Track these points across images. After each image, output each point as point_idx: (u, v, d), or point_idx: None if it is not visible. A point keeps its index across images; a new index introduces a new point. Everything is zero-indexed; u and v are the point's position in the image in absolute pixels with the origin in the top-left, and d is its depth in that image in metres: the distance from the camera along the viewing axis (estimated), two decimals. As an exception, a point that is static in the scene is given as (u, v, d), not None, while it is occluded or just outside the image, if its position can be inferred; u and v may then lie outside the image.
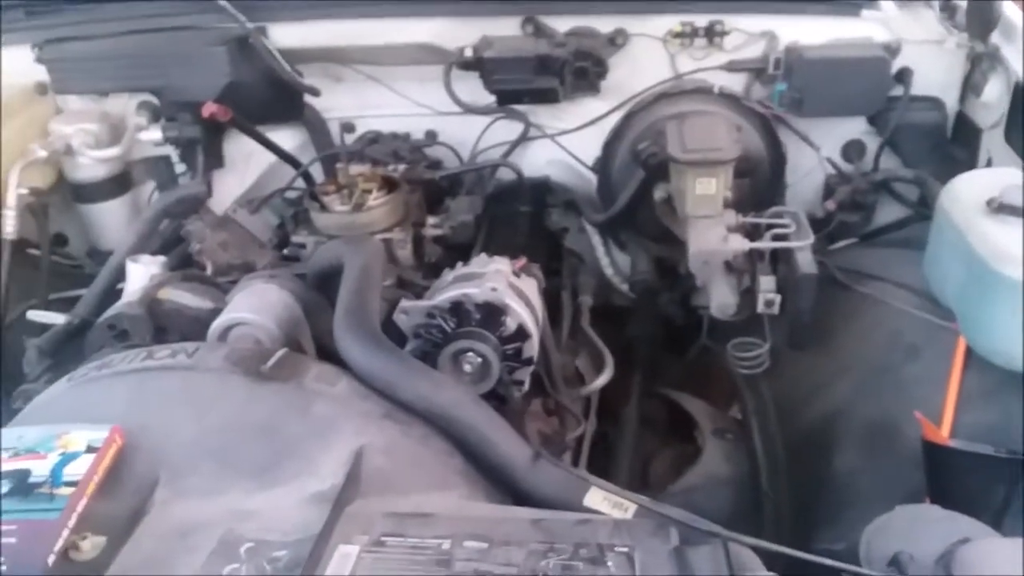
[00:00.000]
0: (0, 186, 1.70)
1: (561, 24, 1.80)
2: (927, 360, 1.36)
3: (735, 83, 1.78)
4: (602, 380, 1.55)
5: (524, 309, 1.22)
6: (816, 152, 1.79)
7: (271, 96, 1.89)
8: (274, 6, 1.85)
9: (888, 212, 1.87)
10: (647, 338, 1.93)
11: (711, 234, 1.48)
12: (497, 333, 1.19)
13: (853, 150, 1.83)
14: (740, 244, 1.47)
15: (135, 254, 1.51)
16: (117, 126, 1.90)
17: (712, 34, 1.74)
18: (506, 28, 1.82)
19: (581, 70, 1.77)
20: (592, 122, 1.85)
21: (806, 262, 1.43)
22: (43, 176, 1.82)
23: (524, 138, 1.94)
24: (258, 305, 1.18)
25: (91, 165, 1.87)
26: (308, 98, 2.00)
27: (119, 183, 1.95)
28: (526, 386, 1.25)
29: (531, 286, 1.31)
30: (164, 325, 1.25)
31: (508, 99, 1.84)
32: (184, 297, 1.27)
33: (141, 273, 1.50)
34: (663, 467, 1.79)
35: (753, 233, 1.57)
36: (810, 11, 1.72)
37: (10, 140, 1.77)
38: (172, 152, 1.96)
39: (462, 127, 1.97)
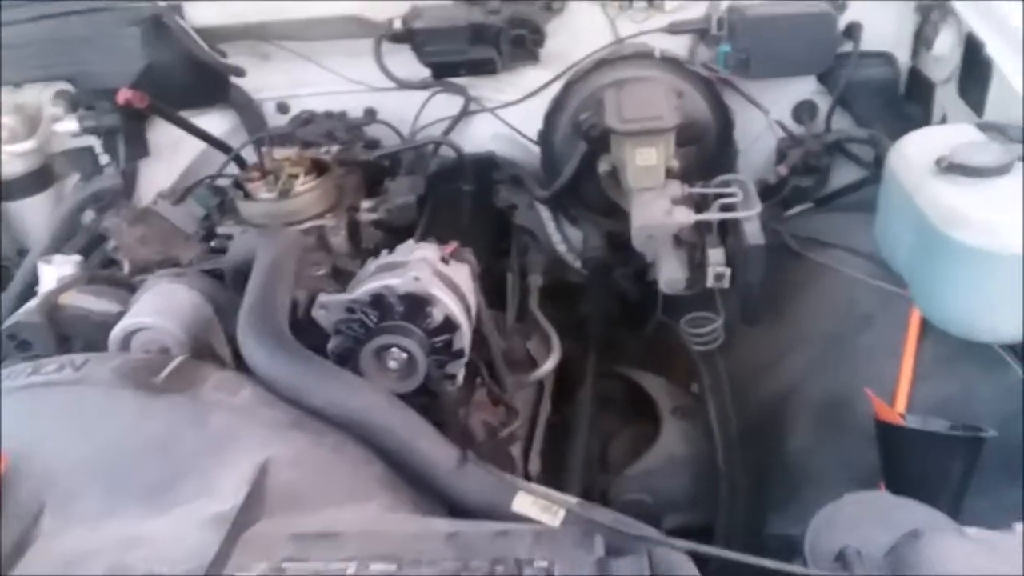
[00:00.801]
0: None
1: (501, -9, 1.71)
2: (881, 330, 1.30)
3: (679, 46, 1.69)
4: (549, 365, 1.48)
5: (452, 298, 1.14)
6: (765, 115, 1.72)
7: (193, 79, 1.78)
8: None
9: (845, 174, 1.80)
10: (601, 316, 1.87)
11: (654, 207, 1.41)
12: (423, 326, 1.11)
13: (804, 111, 1.76)
14: (685, 217, 1.40)
15: (49, 254, 1.43)
16: (33, 117, 1.79)
17: (649, -5, 1.65)
18: (435, -3, 1.72)
19: (518, 38, 1.68)
20: (533, 93, 1.77)
21: (753, 233, 1.36)
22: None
23: (464, 113, 1.86)
24: (163, 307, 1.09)
25: (8, 160, 1.77)
26: (237, 79, 1.90)
27: (40, 178, 1.85)
28: (459, 379, 1.17)
29: (462, 272, 1.23)
30: (68, 333, 1.16)
31: (444, 72, 1.75)
32: (88, 301, 1.18)
33: (53, 274, 1.41)
34: (622, 449, 1.73)
35: (701, 204, 1.50)
36: (753, -34, 1.63)
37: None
38: (95, 143, 1.86)
39: (403, 103, 1.88)
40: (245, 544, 0.78)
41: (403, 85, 1.78)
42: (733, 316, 1.51)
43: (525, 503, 0.90)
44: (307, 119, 1.89)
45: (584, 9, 1.70)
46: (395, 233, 1.65)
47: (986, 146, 1.17)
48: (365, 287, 1.12)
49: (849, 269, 1.43)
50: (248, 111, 1.94)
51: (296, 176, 1.52)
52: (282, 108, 1.99)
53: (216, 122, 1.91)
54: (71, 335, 1.16)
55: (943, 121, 1.61)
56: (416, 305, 1.11)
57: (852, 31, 1.65)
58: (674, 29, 1.66)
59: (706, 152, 1.67)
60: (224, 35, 1.80)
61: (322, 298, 1.13)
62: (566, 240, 1.95)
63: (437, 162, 1.85)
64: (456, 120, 1.86)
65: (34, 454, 0.86)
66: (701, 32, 1.66)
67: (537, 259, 1.80)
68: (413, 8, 1.70)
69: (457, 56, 1.70)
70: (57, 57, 1.69)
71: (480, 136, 1.90)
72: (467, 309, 1.18)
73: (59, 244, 1.52)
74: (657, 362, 1.89)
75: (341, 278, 1.43)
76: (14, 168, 1.79)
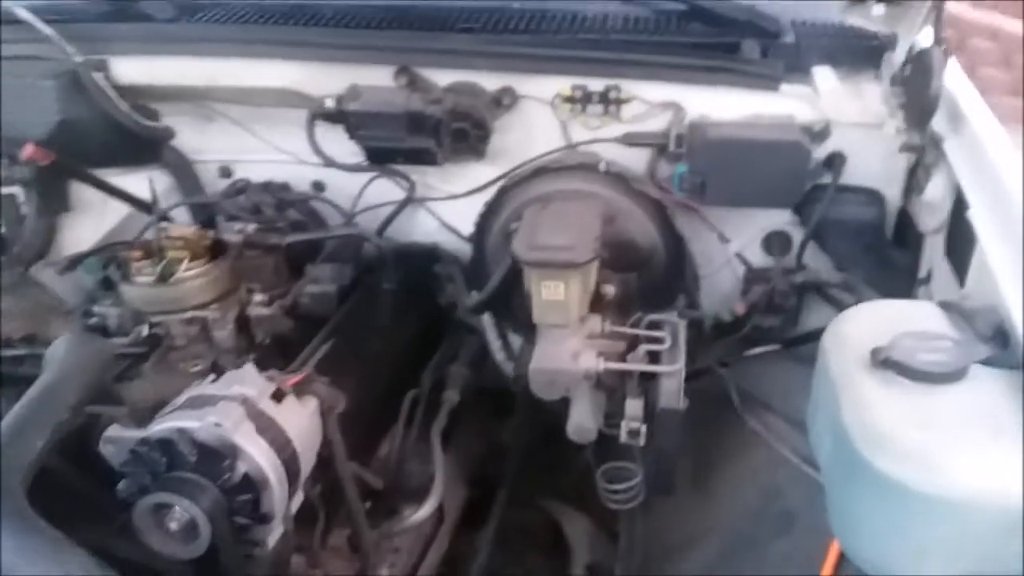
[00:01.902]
0: None
1: (443, 77, 1.55)
2: (800, 537, 1.07)
3: (639, 159, 1.51)
4: (423, 512, 1.29)
5: (265, 450, 0.96)
6: (723, 245, 1.52)
7: (116, 137, 1.66)
8: (122, 37, 1.63)
9: (821, 316, 1.58)
10: (524, 443, 1.66)
11: (559, 349, 1.22)
12: (220, 482, 0.93)
13: (775, 243, 1.55)
14: (593, 363, 1.21)
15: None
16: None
17: (608, 101, 1.48)
18: (380, 77, 1.57)
19: (459, 131, 1.52)
20: (476, 190, 1.61)
21: (669, 394, 1.16)
22: None
23: (407, 202, 1.69)
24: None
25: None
26: (177, 139, 1.79)
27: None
28: (268, 545, 0.99)
29: (303, 411, 1.06)
30: None
31: (379, 157, 1.60)
32: None
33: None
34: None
35: (632, 343, 1.31)
36: (722, 81, 1.44)
37: None
38: (19, 191, 1.75)
39: (353, 180, 1.73)
40: None
41: (336, 166, 1.63)
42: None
43: None
44: (240, 188, 1.75)
45: (537, 109, 1.53)
46: (312, 322, 1.50)
47: (937, 342, 0.95)
48: (160, 425, 0.95)
49: (784, 446, 1.21)
50: (183, 172, 1.82)
51: (180, 260, 1.37)
52: (225, 172, 1.86)
53: (145, 182, 1.78)
54: None
55: (928, 279, 1.39)
56: (213, 457, 0.94)
57: (833, 161, 1.45)
58: (629, 140, 1.48)
59: (653, 279, 1.48)
60: (158, 95, 1.68)
61: (110, 431, 0.97)
62: (506, 347, 1.77)
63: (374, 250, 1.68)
64: (397, 210, 1.70)
65: None
66: (659, 147, 1.47)
67: (459, 372, 1.61)
68: (351, 88, 1.55)
69: (393, 143, 1.54)
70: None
71: (427, 225, 1.74)
72: (289, 459, 1.00)
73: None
74: (591, 495, 1.68)
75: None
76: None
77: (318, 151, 1.60)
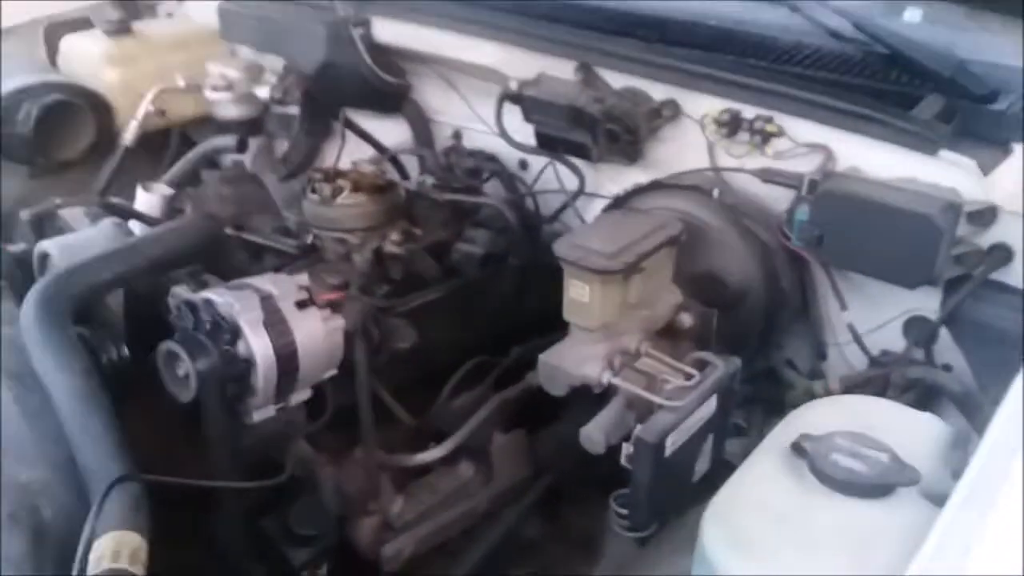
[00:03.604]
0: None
1: (617, 80, 1.60)
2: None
3: (779, 198, 1.42)
4: (426, 455, 1.40)
5: (263, 340, 1.15)
6: (840, 311, 1.37)
7: (366, 85, 1.97)
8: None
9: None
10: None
11: (574, 349, 1.23)
12: (222, 350, 1.14)
13: (913, 328, 1.36)
14: (596, 372, 1.20)
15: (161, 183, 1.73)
16: (256, 79, 2.14)
17: (755, 131, 1.40)
18: (567, 71, 1.66)
19: (611, 133, 1.55)
20: (619, 196, 1.63)
21: (651, 426, 1.12)
22: (182, 104, 2.14)
23: (577, 196, 1.75)
24: (71, 242, 1.28)
25: (226, 105, 2.14)
26: (418, 96, 2.05)
27: (249, 128, 2.19)
28: (252, 417, 1.18)
29: (321, 324, 1.23)
30: (47, 235, 1.40)
31: (545, 143, 1.70)
32: (75, 218, 1.41)
33: (146, 199, 1.71)
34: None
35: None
36: (879, 134, 1.29)
37: (170, 68, 2.11)
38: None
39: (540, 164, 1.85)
40: None
41: (514, 145, 1.76)
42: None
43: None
44: (447, 149, 1.96)
45: (692, 125, 1.51)
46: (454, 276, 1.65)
47: (876, 452, 0.82)
48: (201, 293, 1.19)
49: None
50: (419, 126, 2.08)
51: (342, 189, 1.62)
52: (456, 135, 2.09)
53: (392, 129, 2.08)
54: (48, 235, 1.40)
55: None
56: (219, 329, 1.15)
57: (993, 252, 1.23)
58: (766, 176, 1.39)
59: (743, 323, 1.39)
60: (405, 56, 1.95)
61: (174, 289, 1.23)
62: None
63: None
64: (570, 200, 1.77)
65: None
66: (795, 189, 1.37)
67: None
68: (539, 75, 1.67)
69: (556, 132, 1.63)
70: (270, 36, 2.00)
71: (572, 221, 1.80)
72: (286, 356, 1.17)
73: (174, 179, 1.82)
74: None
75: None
76: (232, 112, 2.15)
77: (501, 127, 1.74)
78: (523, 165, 1.92)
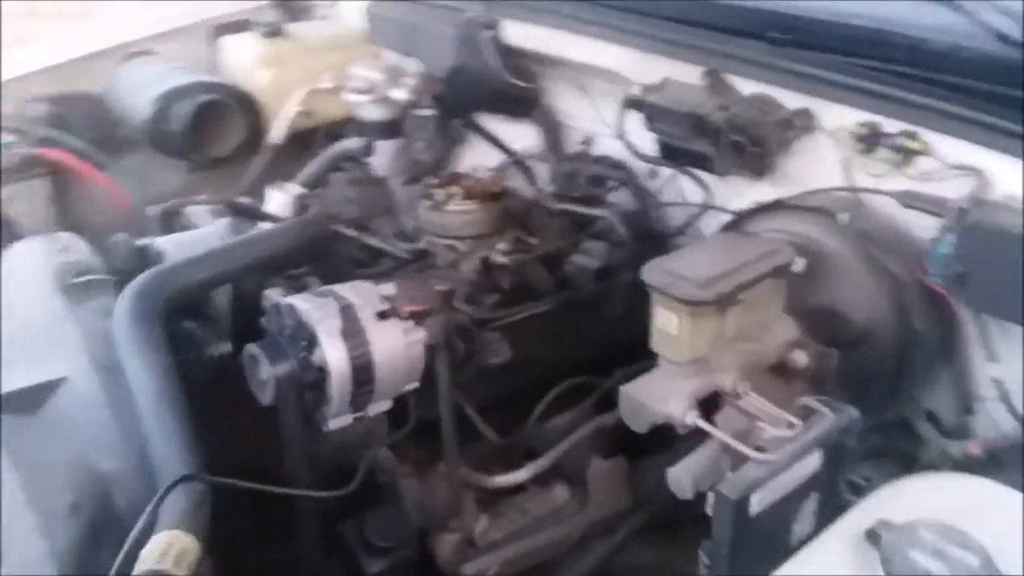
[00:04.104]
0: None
1: (748, 87, 1.47)
2: None
3: (924, 226, 1.24)
4: (508, 477, 1.34)
5: (340, 349, 1.14)
6: (988, 363, 1.18)
7: (497, 89, 1.94)
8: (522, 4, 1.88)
9: None
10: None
11: (659, 384, 1.13)
12: (300, 357, 1.15)
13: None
14: (679, 412, 1.10)
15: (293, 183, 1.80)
16: (396, 81, 2.17)
17: (896, 148, 1.23)
18: (694, 75, 1.55)
19: (736, 144, 1.43)
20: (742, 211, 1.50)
21: (734, 481, 1.01)
22: (329, 105, 2.20)
23: (704, 209, 1.64)
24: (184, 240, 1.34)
25: (365, 107, 2.18)
26: (550, 100, 2.01)
27: (389, 130, 2.23)
28: (328, 425, 1.18)
29: (401, 336, 1.21)
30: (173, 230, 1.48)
31: (668, 154, 1.60)
32: (199, 216, 1.48)
33: (278, 198, 1.78)
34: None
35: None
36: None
37: (320, 69, 2.18)
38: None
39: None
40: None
41: (638, 155, 1.67)
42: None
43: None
44: (572, 155, 1.90)
45: (826, 139, 1.36)
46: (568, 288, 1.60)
47: (962, 552, 0.68)
48: (290, 298, 1.20)
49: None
50: (550, 131, 2.02)
51: (453, 196, 1.60)
52: (586, 140, 2.02)
53: (522, 133, 2.05)
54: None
55: None
56: (298, 335, 1.16)
57: None
58: (906, 200, 1.22)
59: (870, 366, 1.23)
60: (537, 58, 1.90)
61: (267, 292, 1.25)
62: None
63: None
64: (696, 214, 1.66)
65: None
66: (938, 216, 1.19)
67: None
68: (664, 80, 1.57)
69: (679, 142, 1.53)
70: (406, 38, 2.02)
71: None
72: (361, 366, 1.16)
73: (307, 180, 1.88)
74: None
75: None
76: (371, 114, 2.20)
77: (619, 133, 1.66)
78: (653, 175, 1.82)
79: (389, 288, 1.26)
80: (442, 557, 1.35)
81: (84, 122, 2.10)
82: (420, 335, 1.23)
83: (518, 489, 1.48)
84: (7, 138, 1.79)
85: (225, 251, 1.29)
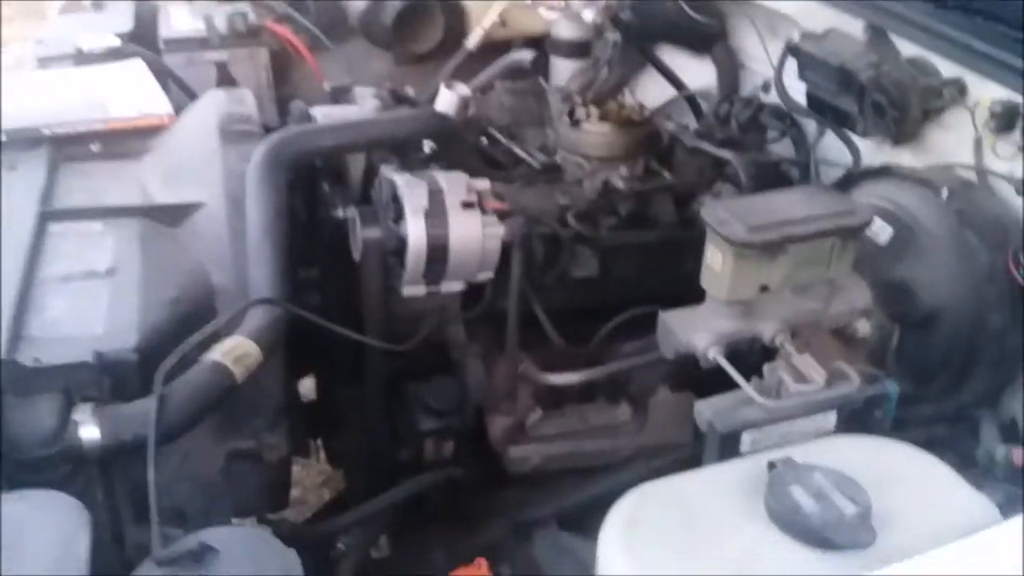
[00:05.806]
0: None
1: (909, 49, 1.38)
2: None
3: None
4: (555, 377, 1.42)
5: (420, 227, 1.27)
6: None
7: (679, 22, 1.94)
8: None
9: None
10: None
11: (696, 317, 1.15)
12: (389, 223, 1.30)
13: None
14: (703, 345, 1.11)
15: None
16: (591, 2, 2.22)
17: (1028, 130, 1.12)
18: (859, 29, 1.47)
19: (876, 104, 1.36)
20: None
21: (732, 416, 1.03)
22: (525, 19, 2.30)
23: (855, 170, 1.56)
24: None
25: (557, 23, 2.26)
26: (734, 41, 1.97)
27: (579, 49, 2.30)
28: (402, 290, 1.33)
29: (479, 227, 1.31)
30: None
31: (814, 105, 1.54)
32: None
33: (446, 96, 1.94)
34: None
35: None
36: None
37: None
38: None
39: None
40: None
41: (789, 104, 1.62)
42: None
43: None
44: (738, 98, 1.86)
45: (966, 113, 1.25)
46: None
47: (846, 501, 0.68)
48: (400, 173, 1.34)
49: None
50: (726, 71, 2.00)
51: (591, 116, 1.66)
52: (765, 87, 1.97)
53: (700, 69, 2.04)
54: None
55: None
56: (390, 207, 1.31)
57: None
58: (1020, 188, 1.12)
59: (935, 351, 1.16)
60: None
61: (383, 165, 1.40)
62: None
63: None
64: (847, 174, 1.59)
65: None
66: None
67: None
68: (829, 30, 1.50)
69: (824, 95, 1.48)
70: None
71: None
72: (437, 246, 1.29)
73: (479, 83, 2.00)
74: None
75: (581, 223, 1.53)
76: (562, 32, 2.27)
77: (778, 82, 1.61)
78: (822, 132, 1.75)
79: (483, 183, 1.36)
80: (493, 436, 1.48)
81: (320, 7, 2.37)
82: (499, 230, 1.33)
83: (590, 399, 1.57)
84: (241, 7, 2.06)
85: (353, 125, 1.45)
